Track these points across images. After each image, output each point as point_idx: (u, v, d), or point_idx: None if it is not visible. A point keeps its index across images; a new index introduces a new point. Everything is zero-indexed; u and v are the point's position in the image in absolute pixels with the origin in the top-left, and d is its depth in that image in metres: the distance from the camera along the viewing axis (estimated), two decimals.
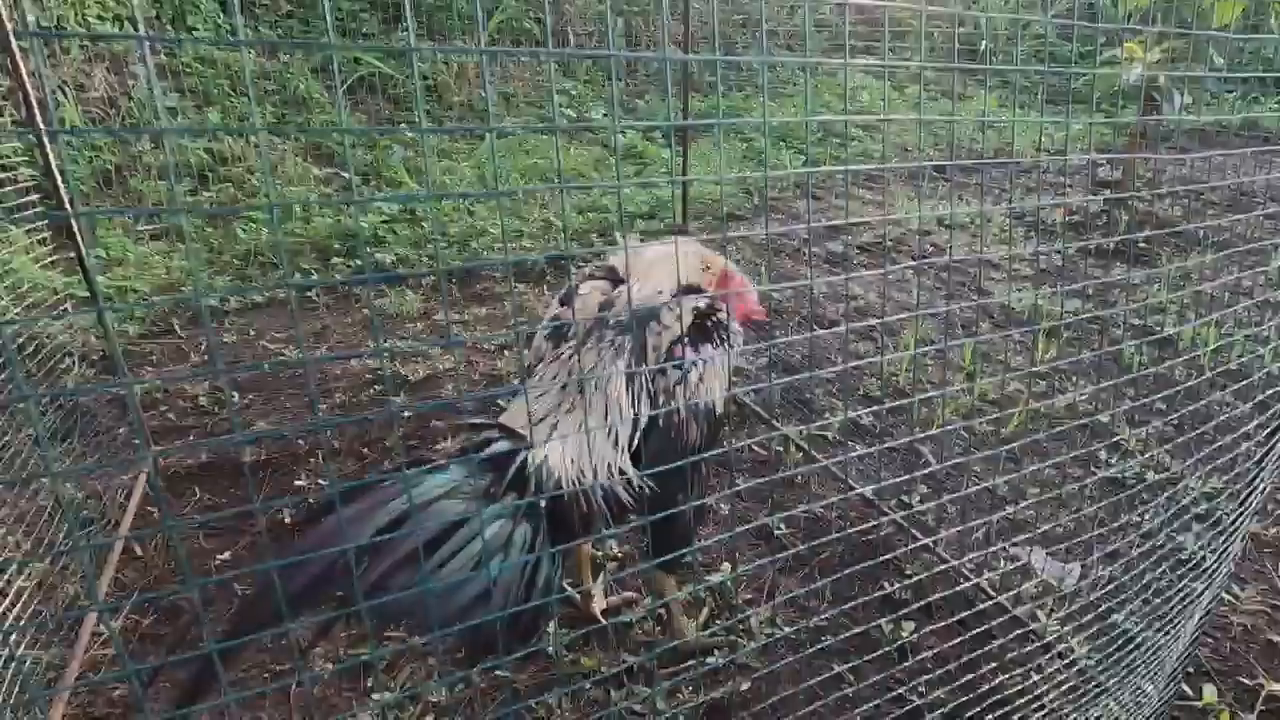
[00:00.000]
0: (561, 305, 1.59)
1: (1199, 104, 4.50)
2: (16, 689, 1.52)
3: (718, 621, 1.85)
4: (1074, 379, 3.01)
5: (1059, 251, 4.39)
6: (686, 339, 1.45)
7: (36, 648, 1.66)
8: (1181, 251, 4.32)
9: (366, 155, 5.36)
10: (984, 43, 7.79)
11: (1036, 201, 5.35)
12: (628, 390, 1.40)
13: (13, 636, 1.59)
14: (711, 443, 1.51)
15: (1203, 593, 1.53)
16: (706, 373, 1.46)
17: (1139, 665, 1.56)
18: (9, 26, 1.78)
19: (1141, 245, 4.43)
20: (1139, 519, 2.17)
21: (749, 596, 1.92)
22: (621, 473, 1.35)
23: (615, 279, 1.58)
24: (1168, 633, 1.56)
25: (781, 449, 2.54)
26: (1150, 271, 3.95)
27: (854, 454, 2.50)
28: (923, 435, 2.60)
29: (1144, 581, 1.80)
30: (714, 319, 1.51)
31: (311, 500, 2.23)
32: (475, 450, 1.23)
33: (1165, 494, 2.28)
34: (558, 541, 1.22)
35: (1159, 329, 3.38)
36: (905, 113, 7.32)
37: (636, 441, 1.38)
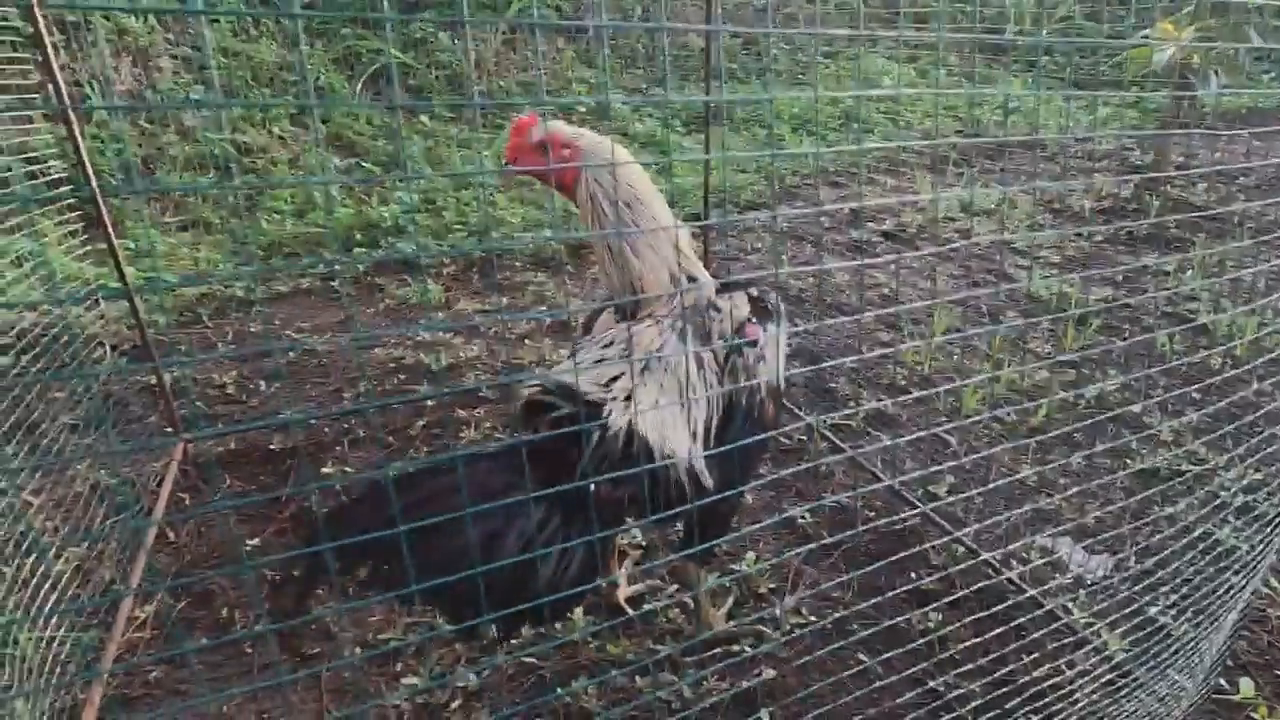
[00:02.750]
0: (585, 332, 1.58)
1: (1235, 85, 4.38)
2: (57, 670, 1.56)
3: (743, 611, 1.84)
4: (1104, 368, 2.96)
5: (1082, 234, 4.30)
6: (753, 319, 1.45)
7: (75, 630, 1.70)
8: (1216, 237, 4.21)
9: (387, 145, 5.37)
10: (1009, 25, 7.63)
11: (1061, 185, 5.24)
12: (698, 373, 1.39)
13: (53, 619, 1.62)
14: (776, 422, 1.52)
15: (1243, 586, 1.49)
16: (774, 350, 1.47)
17: (1175, 659, 1.53)
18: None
19: (1173, 231, 4.33)
20: (1173, 511, 2.13)
21: (774, 586, 1.91)
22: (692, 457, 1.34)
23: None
24: (1205, 626, 1.53)
25: (805, 438, 2.52)
26: (1183, 257, 3.85)
27: (880, 445, 2.47)
28: (950, 426, 2.56)
29: (1180, 575, 1.77)
30: (764, 302, 1.51)
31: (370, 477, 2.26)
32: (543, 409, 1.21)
33: (1202, 486, 2.23)
34: (628, 514, 1.20)
35: (1193, 317, 3.31)
36: (928, 98, 7.20)
37: (714, 429, 1.37)
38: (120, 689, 1.64)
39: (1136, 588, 1.83)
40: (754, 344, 1.42)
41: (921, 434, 2.40)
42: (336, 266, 3.95)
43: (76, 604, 1.73)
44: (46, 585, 1.68)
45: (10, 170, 2.22)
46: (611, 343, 1.41)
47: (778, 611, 1.80)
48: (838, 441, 2.49)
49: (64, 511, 2.00)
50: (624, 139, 6.06)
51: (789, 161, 5.90)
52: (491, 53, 6.45)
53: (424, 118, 5.73)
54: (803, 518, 2.13)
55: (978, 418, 2.56)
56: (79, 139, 2.13)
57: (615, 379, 1.32)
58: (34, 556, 1.73)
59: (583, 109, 6.44)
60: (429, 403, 2.72)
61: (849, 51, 8.25)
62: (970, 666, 1.60)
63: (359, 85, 5.83)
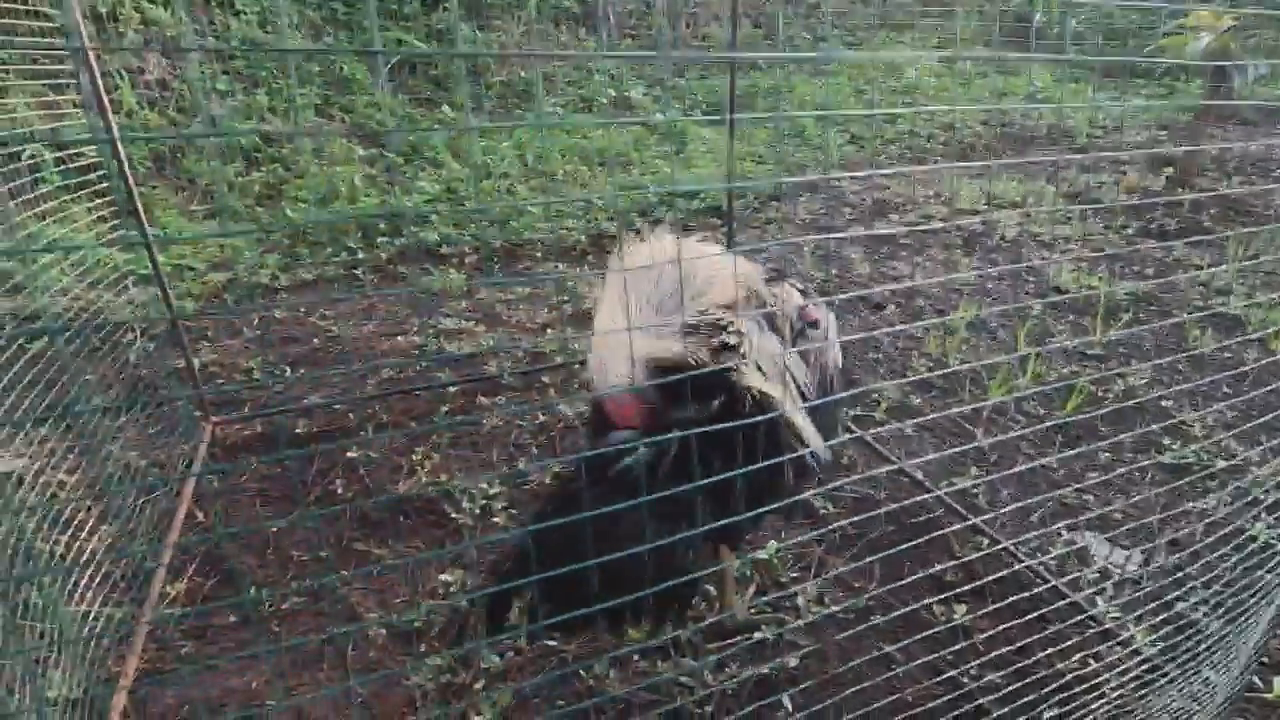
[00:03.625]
0: None
1: (1274, 75, 4.27)
2: (93, 642, 1.60)
3: (764, 598, 1.84)
4: (1132, 362, 2.91)
5: (1110, 226, 4.22)
6: (811, 302, 1.51)
7: (109, 606, 1.74)
8: (1250, 228, 4.11)
9: (409, 136, 5.40)
10: (1038, 15, 7.50)
11: (1091, 180, 5.15)
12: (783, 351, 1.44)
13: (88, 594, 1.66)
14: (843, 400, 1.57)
15: (1278, 584, 1.46)
16: (833, 330, 1.53)
17: (1205, 655, 1.51)
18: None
19: (1206, 224, 4.23)
20: (1203, 506, 2.09)
21: (795, 575, 1.91)
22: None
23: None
24: (1237, 623, 1.50)
25: None
26: (1210, 236, 3.77)
27: (899, 430, 2.45)
28: (969, 408, 2.54)
29: (1211, 571, 1.74)
30: (806, 291, 1.57)
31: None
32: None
33: (1233, 481, 2.19)
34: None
35: (1223, 309, 3.24)
36: (953, 90, 7.10)
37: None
38: (153, 662, 1.68)
39: (1166, 582, 1.81)
40: (815, 324, 1.46)
41: (938, 415, 2.37)
42: (360, 254, 3.99)
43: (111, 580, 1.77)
44: (81, 562, 1.72)
45: (43, 157, 2.27)
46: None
47: (799, 599, 1.80)
48: (859, 431, 2.47)
49: (97, 491, 2.04)
50: (645, 130, 6.04)
51: (809, 152, 5.85)
52: (513, 43, 6.45)
53: (446, 108, 5.75)
54: (824, 508, 2.12)
55: (1003, 400, 2.53)
56: (113, 128, 2.17)
57: (719, 351, 1.35)
58: (68, 533, 1.78)
59: (603, 99, 6.43)
60: (451, 389, 2.74)
61: (872, 41, 8.14)
62: (993, 656, 1.59)
63: (381, 76, 5.86)
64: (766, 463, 1.07)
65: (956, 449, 2.35)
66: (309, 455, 2.39)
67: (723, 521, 1.09)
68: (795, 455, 1.33)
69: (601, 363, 1.36)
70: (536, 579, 0.99)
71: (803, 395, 1.39)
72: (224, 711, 1.56)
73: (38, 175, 2.20)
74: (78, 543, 1.76)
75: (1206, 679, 1.52)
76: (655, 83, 6.88)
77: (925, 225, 4.43)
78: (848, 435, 2.46)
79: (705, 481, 0.91)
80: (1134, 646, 1.67)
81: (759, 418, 1.11)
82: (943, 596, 1.78)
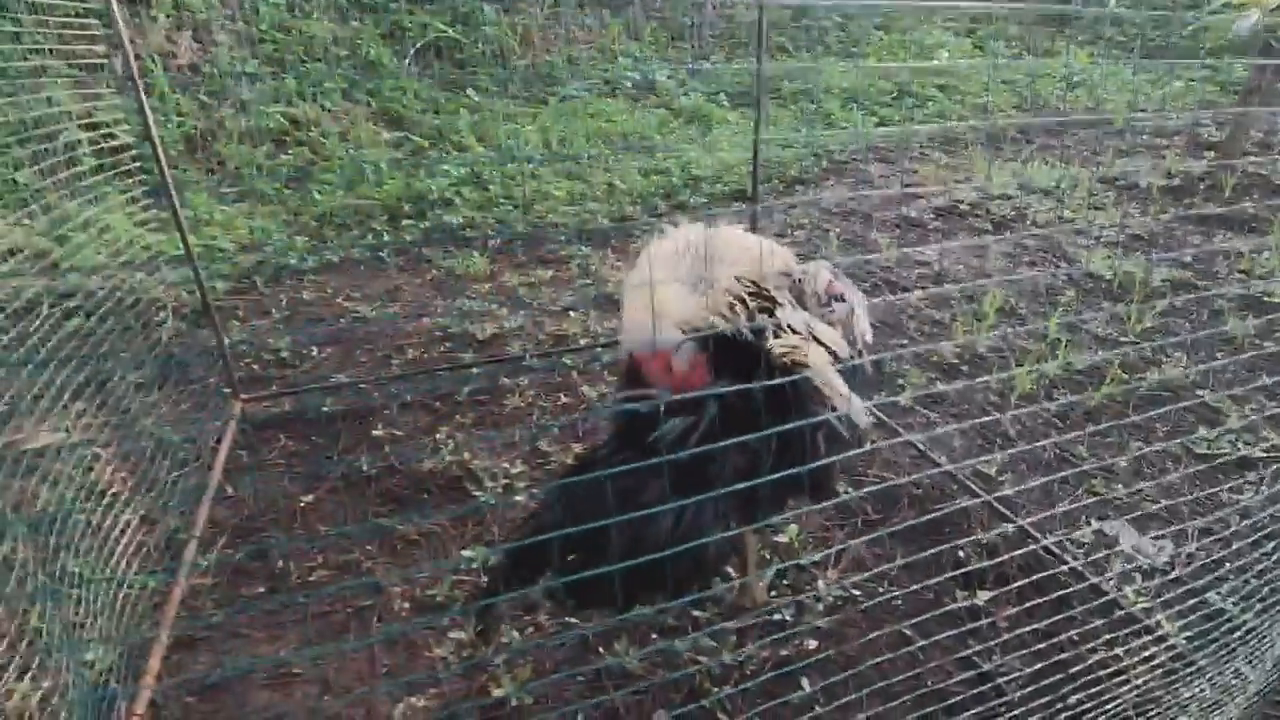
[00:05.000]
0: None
1: None
2: (127, 610, 1.65)
3: (784, 581, 1.83)
4: (1169, 351, 2.83)
5: (1148, 213, 4.10)
6: (836, 279, 1.51)
7: (144, 574, 1.78)
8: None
9: (434, 120, 5.42)
10: None
11: (1126, 163, 5.00)
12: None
13: (122, 563, 1.71)
14: (875, 380, 1.57)
15: None
16: (861, 308, 1.53)
17: (1238, 647, 1.47)
18: None
19: (1251, 210, 4.10)
20: (1238, 496, 2.04)
21: (816, 559, 1.90)
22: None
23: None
24: (1271, 615, 1.47)
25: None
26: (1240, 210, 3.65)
27: (929, 420, 2.42)
28: (992, 378, 2.49)
29: (1242, 559, 1.70)
30: (834, 271, 1.57)
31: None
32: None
33: (1269, 470, 2.13)
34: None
35: (1264, 295, 3.14)
36: (985, 72, 6.94)
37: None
38: (184, 631, 1.72)
39: (1195, 568, 1.77)
40: (842, 298, 1.47)
41: (963, 384, 2.33)
42: (385, 237, 4.02)
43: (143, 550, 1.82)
44: (115, 531, 1.77)
45: (79, 140, 2.31)
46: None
47: (819, 581, 1.79)
48: (884, 418, 2.44)
49: (131, 464, 2.09)
50: (669, 113, 5.98)
51: (837, 134, 5.76)
52: (537, 26, 6.42)
53: (470, 92, 5.76)
54: (847, 492, 2.10)
55: (1031, 372, 2.48)
56: (147, 111, 2.20)
57: (753, 315, 1.36)
58: (103, 504, 1.83)
59: (628, 83, 6.38)
60: (474, 370, 2.76)
61: (903, 23, 7.98)
62: (1015, 640, 1.57)
63: (407, 59, 5.88)
64: (798, 424, 1.07)
65: (986, 441, 2.31)
66: (334, 433, 2.43)
67: (752, 482, 1.08)
68: (826, 417, 1.33)
69: (633, 327, 1.37)
70: (557, 535, 1.00)
71: (835, 357, 1.38)
72: (253, 677, 1.61)
73: (72, 155, 2.23)
74: (112, 513, 1.81)
75: (1238, 671, 1.49)
76: (680, 64, 6.81)
77: (955, 208, 4.35)
78: (878, 396, 2.43)
79: (735, 441, 0.90)
80: (1160, 633, 1.64)
81: (793, 376, 1.10)
82: (961, 571, 1.76)
